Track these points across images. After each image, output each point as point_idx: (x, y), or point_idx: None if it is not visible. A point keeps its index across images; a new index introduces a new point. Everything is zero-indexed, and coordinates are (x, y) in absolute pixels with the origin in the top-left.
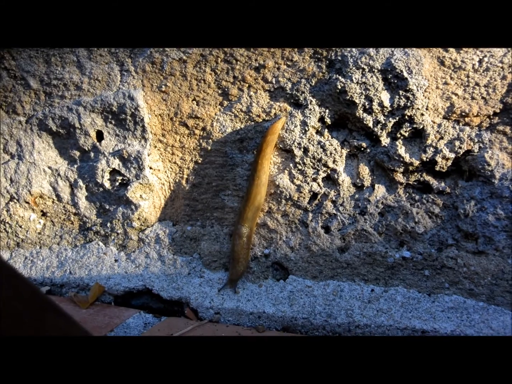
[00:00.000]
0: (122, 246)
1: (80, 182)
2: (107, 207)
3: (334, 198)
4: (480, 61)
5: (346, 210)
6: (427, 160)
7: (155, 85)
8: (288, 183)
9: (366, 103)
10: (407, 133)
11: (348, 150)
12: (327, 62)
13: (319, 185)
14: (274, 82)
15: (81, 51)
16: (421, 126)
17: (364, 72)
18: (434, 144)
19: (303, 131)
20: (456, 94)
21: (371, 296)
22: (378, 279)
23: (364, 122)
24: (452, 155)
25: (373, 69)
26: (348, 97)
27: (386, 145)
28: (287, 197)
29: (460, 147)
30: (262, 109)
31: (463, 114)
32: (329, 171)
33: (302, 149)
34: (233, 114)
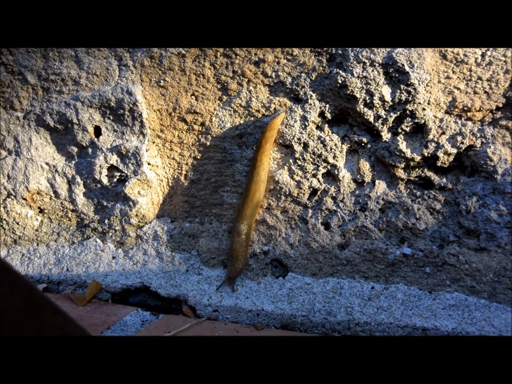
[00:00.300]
0: (120, 243)
1: (78, 178)
2: (105, 203)
3: (334, 194)
4: (483, 55)
5: (346, 206)
6: (429, 155)
7: (153, 80)
8: (288, 179)
9: (367, 97)
10: (409, 128)
11: (348, 145)
12: (328, 56)
13: (319, 181)
14: (273, 76)
15: None
16: (423, 121)
17: (365, 66)
18: (435, 139)
19: (303, 126)
20: (458, 89)
21: (371, 294)
22: (379, 276)
23: (365, 117)
24: (454, 150)
25: (374, 63)
26: (348, 92)
27: (387, 141)
28: (287, 193)
29: (462, 142)
30: (262, 104)
31: (465, 108)
32: (329, 167)
33: (302, 145)
34: (232, 109)
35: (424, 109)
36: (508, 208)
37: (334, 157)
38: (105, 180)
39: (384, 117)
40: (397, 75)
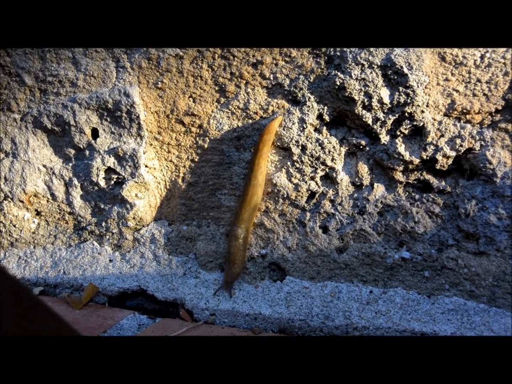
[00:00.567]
0: (117, 246)
1: (75, 181)
2: (102, 206)
3: (332, 197)
4: (482, 57)
5: (345, 209)
6: (427, 158)
7: (151, 82)
8: (286, 181)
9: (366, 99)
10: (407, 130)
11: (347, 148)
12: (326, 58)
13: (317, 184)
14: (272, 78)
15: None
16: (421, 124)
17: (363, 68)
18: (434, 142)
19: (301, 128)
20: (457, 91)
21: (370, 298)
22: (377, 280)
23: (363, 119)
24: (453, 153)
25: (373, 65)
26: (347, 94)
27: (386, 143)
28: (285, 196)
29: (461, 145)
30: (260, 106)
31: (464, 111)
32: (327, 170)
33: (300, 147)
34: (230, 111)
35: (423, 111)
36: (507, 211)
37: (332, 159)
38: (102, 183)
39: (383, 119)
40: (395, 77)
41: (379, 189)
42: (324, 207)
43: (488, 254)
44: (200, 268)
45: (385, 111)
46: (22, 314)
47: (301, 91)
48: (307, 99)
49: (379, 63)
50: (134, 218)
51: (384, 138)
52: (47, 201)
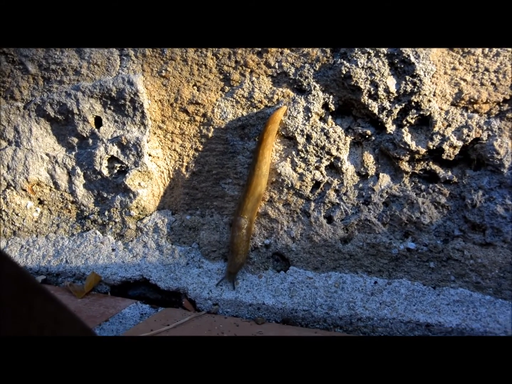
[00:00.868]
0: (120, 235)
1: (78, 170)
2: (105, 195)
3: (337, 187)
4: None
5: (350, 199)
6: (434, 148)
7: (155, 70)
8: (290, 171)
9: (372, 88)
10: (414, 120)
11: (352, 137)
12: None
13: (322, 173)
14: (277, 67)
15: None
16: (428, 113)
17: (369, 57)
18: (441, 132)
19: (306, 117)
20: (464, 80)
21: (374, 288)
22: (382, 271)
23: (369, 108)
24: (460, 143)
25: (379, 54)
26: (353, 83)
27: (392, 133)
28: (289, 185)
29: (468, 135)
30: (265, 95)
31: (472, 100)
32: (332, 159)
33: (305, 136)
34: (234, 100)
35: (429, 100)
36: None
37: (338, 149)
38: (105, 171)
39: (389, 108)
40: (402, 66)
41: (385, 179)
42: (329, 197)
43: (495, 245)
44: (203, 257)
45: (392, 100)
46: (21, 300)
47: (306, 80)
48: (312, 88)
49: (385, 52)
50: (137, 207)
51: (390, 127)
52: (50, 189)
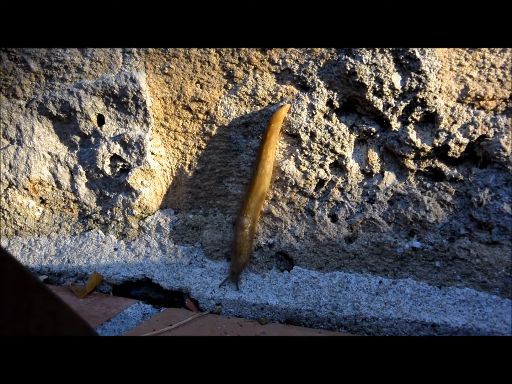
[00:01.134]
0: (122, 235)
1: (80, 168)
2: (107, 194)
3: (341, 186)
4: None
5: (354, 198)
6: (440, 145)
7: (158, 67)
8: (294, 169)
9: (376, 85)
10: (419, 117)
11: (357, 135)
12: None
13: (326, 171)
14: (280, 63)
15: None
16: (434, 110)
17: (374, 53)
18: (447, 129)
19: (310, 115)
20: (471, 76)
21: (379, 288)
22: (387, 270)
23: (374, 105)
24: (466, 141)
25: (384, 50)
26: (357, 79)
27: (397, 130)
28: (293, 184)
29: (474, 132)
30: (268, 92)
31: (478, 97)
32: (336, 157)
33: (309, 134)
34: (238, 98)
35: (435, 97)
36: None
37: (342, 147)
38: (107, 170)
39: (394, 105)
40: (407, 62)
41: (390, 177)
42: (333, 195)
43: (501, 244)
44: (206, 257)
45: (397, 97)
46: (21, 297)
47: (310, 77)
48: (316, 84)
49: (390, 48)
50: (139, 206)
51: (395, 124)
52: (52, 189)
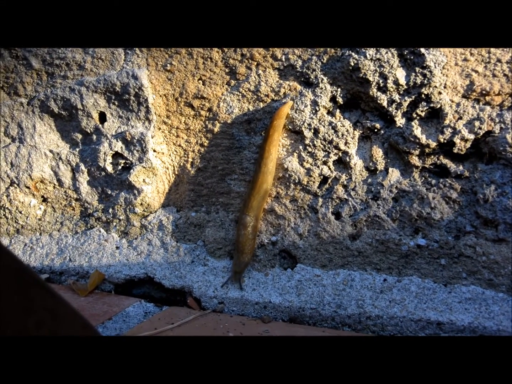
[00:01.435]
0: (124, 233)
1: (82, 166)
2: (109, 192)
3: (345, 183)
4: None
5: (358, 195)
6: (445, 141)
7: (160, 64)
8: (297, 166)
9: (381, 81)
10: (424, 113)
11: (360, 131)
12: None
13: (329, 168)
14: (283, 59)
15: None
16: (439, 106)
17: (378, 48)
18: (452, 125)
19: (313, 111)
20: (476, 71)
21: (384, 286)
22: (391, 268)
23: (378, 101)
24: (472, 136)
25: None
26: (361, 75)
27: (401, 126)
28: (296, 181)
29: (480, 128)
30: (271, 89)
31: (484, 92)
32: (340, 154)
33: (312, 131)
34: (240, 94)
35: (440, 93)
36: None
37: (346, 143)
38: (109, 168)
39: (398, 101)
40: (412, 57)
41: (394, 174)
42: (337, 192)
43: (508, 241)
44: (208, 255)
45: (401, 92)
46: (20, 293)
47: (313, 73)
48: (320, 80)
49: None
50: (141, 204)
51: (400, 121)
52: (54, 187)
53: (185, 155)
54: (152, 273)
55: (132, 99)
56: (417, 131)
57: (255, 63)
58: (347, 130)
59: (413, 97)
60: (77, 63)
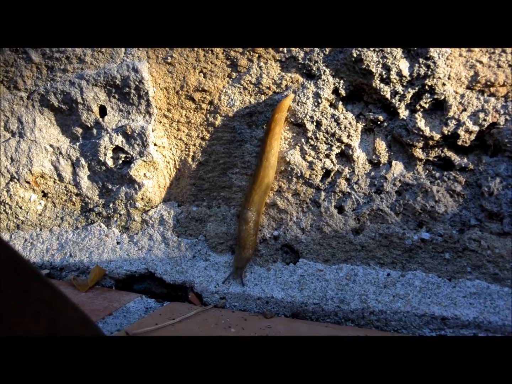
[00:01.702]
0: (125, 228)
1: (82, 161)
2: (110, 186)
3: (348, 176)
4: None
5: (361, 188)
6: (449, 133)
7: (160, 57)
8: (300, 159)
9: (384, 72)
10: (427, 104)
11: (363, 124)
12: None
13: (332, 161)
14: (285, 51)
15: None
16: (443, 97)
17: None
18: (456, 117)
19: (315, 103)
20: (480, 62)
21: (387, 281)
22: (395, 263)
23: (381, 93)
24: (476, 128)
25: None
26: (364, 66)
27: (405, 118)
28: (298, 174)
29: (484, 120)
30: (273, 81)
31: (488, 83)
32: (343, 147)
33: (314, 123)
34: (242, 87)
35: (444, 84)
36: None
37: (349, 136)
38: (110, 162)
39: (402, 93)
40: (415, 48)
41: (398, 167)
42: (339, 186)
43: None
44: (210, 250)
45: (404, 84)
46: (16, 285)
47: (316, 64)
48: (322, 72)
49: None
50: (142, 199)
51: (403, 113)
52: (54, 182)
53: (186, 149)
54: (153, 269)
55: (132, 92)
56: (421, 123)
57: (257, 55)
58: (350, 123)
59: (417, 88)
60: (77, 56)
